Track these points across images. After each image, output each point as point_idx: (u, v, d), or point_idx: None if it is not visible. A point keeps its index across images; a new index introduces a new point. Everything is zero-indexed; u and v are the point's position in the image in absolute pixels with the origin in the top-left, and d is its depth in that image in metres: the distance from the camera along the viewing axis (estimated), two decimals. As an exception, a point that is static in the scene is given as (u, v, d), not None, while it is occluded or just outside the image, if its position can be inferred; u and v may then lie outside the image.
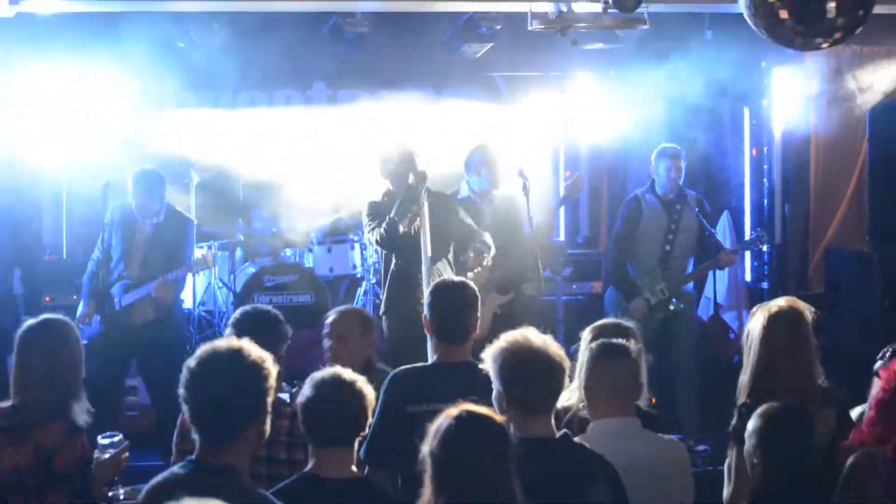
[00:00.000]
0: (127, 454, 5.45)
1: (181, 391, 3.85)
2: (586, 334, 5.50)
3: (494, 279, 8.85)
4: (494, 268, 8.84)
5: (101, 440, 5.38)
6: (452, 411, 3.66)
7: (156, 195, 8.88)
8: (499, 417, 3.73)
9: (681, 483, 4.97)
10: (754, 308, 5.57)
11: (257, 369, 3.83)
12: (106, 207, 8.94)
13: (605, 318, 5.85)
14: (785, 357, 5.27)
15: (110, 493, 5.55)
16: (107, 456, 5.32)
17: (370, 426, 5.10)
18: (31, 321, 5.28)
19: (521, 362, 4.29)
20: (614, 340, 5.07)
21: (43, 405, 5.06)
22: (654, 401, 5.71)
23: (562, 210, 12.34)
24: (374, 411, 4.45)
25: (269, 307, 5.60)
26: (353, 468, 4.42)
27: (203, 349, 3.87)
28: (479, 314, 5.40)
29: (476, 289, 5.49)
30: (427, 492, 3.60)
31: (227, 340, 3.91)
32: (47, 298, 10.11)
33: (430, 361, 5.45)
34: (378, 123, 10.60)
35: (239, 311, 5.58)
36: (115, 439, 5.43)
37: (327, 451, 4.33)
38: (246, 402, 3.81)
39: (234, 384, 3.79)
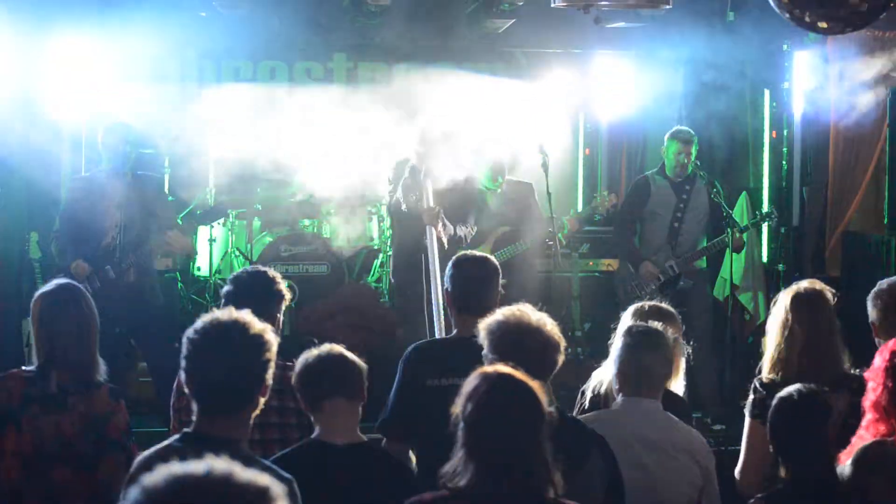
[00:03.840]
0: None
1: (182, 362, 3.73)
2: (626, 317, 5.53)
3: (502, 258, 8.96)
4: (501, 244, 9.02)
5: None
6: (485, 371, 3.55)
7: (129, 145, 8.78)
8: (531, 380, 3.56)
9: (699, 474, 4.99)
10: (784, 289, 5.59)
11: (260, 341, 3.71)
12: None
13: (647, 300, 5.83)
14: (805, 338, 5.29)
15: None
16: None
17: (389, 400, 5.14)
18: (47, 287, 5.24)
19: (515, 335, 4.28)
20: (652, 326, 5.09)
21: (73, 371, 5.02)
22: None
23: (580, 186, 12.42)
24: (366, 375, 4.48)
25: (267, 268, 5.50)
26: (360, 435, 4.44)
27: (204, 319, 3.73)
28: (499, 289, 5.38)
29: (497, 263, 5.49)
30: (456, 457, 3.47)
31: (228, 311, 3.76)
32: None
33: (450, 335, 5.46)
34: (398, 97, 10.60)
35: (237, 271, 5.54)
36: None
37: (329, 407, 4.36)
38: (250, 374, 3.70)
39: (237, 357, 3.68)
